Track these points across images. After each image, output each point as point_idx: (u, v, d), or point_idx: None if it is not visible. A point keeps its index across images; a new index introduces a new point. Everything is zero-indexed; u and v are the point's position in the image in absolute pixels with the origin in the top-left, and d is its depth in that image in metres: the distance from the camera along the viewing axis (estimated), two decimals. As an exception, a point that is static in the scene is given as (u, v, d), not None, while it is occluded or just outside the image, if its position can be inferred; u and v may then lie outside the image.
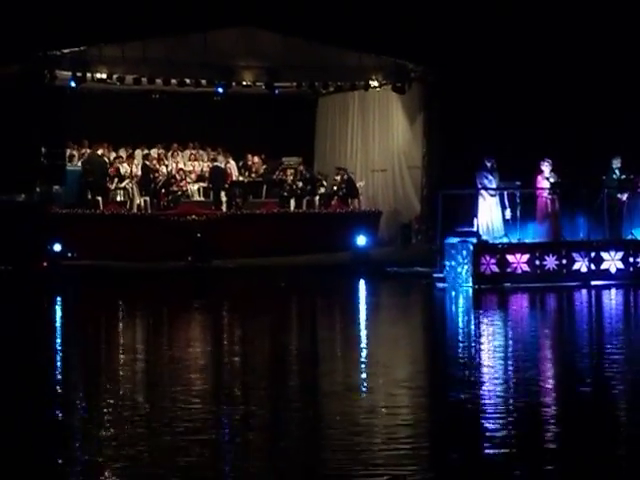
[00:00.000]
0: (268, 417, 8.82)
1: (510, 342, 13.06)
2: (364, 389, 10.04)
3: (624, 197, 20.92)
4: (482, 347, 12.75)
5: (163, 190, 26.19)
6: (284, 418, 8.75)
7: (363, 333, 14.24)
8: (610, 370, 10.84)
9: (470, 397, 9.39)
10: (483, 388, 9.92)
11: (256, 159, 28.01)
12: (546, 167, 20.43)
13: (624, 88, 24.65)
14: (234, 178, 27.25)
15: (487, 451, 7.59)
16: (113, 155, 26.56)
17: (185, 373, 10.90)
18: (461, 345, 12.91)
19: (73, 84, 24.18)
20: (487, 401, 9.28)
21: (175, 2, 24.53)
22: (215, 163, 27.31)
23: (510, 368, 11.09)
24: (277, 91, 26.38)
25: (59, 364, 11.97)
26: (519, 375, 10.47)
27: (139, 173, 26.06)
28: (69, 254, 22.24)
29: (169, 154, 27.49)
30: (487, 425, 8.36)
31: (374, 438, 7.93)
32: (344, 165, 28.56)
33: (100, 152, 26.03)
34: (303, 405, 9.24)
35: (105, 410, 9.01)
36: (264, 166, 28.06)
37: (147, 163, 26.31)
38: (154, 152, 27.12)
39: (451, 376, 10.51)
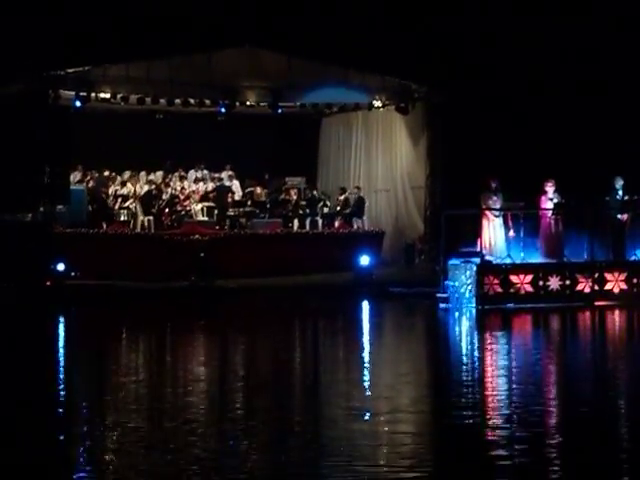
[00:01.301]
0: (270, 442, 8.78)
1: (514, 365, 13.01)
2: (367, 413, 9.99)
3: (624, 217, 20.89)
4: (486, 370, 12.71)
5: (167, 210, 26.23)
6: (286, 443, 8.72)
7: (366, 354, 14.20)
8: (615, 395, 10.81)
9: (474, 422, 9.36)
10: (487, 413, 9.88)
11: (258, 190, 28.02)
12: (550, 188, 20.46)
13: (625, 108, 24.66)
14: (237, 198, 27.29)
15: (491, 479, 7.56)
16: (117, 178, 26.59)
17: (186, 395, 10.86)
18: (465, 367, 12.88)
19: (78, 104, 24.23)
20: (491, 427, 9.24)
21: (179, 23, 24.60)
22: (219, 183, 27.38)
23: (515, 392, 11.04)
24: (280, 111, 26.42)
25: (61, 384, 11.94)
26: (524, 400, 10.41)
27: (142, 193, 26.07)
28: (73, 273, 22.24)
29: (174, 175, 27.54)
30: (491, 452, 8.32)
31: (377, 464, 7.90)
32: (346, 185, 28.64)
33: (106, 173, 26.14)
34: (305, 430, 9.21)
35: (106, 433, 8.99)
36: (266, 192, 28.04)
37: (151, 183, 26.35)
38: (159, 174, 27.19)
39: (455, 400, 10.44)
